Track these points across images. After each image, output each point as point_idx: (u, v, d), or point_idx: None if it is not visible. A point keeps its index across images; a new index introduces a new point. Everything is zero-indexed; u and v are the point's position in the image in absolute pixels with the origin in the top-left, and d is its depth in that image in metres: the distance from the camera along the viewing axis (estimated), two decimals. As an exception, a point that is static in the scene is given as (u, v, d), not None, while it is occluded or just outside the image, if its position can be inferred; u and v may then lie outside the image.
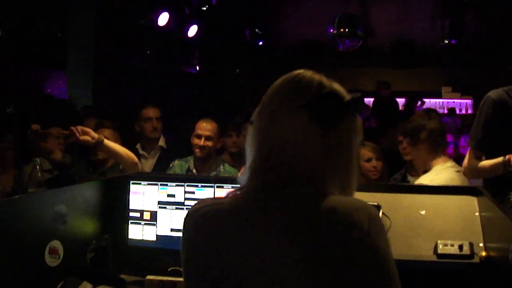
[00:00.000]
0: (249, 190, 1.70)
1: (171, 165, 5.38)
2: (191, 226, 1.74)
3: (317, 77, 1.73)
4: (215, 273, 1.64)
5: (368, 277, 1.51)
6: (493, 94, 3.97)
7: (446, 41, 13.84)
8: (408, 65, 15.82)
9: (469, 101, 16.07)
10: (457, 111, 15.50)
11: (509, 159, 3.58)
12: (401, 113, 13.44)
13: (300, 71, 1.77)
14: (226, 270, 1.63)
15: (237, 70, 16.75)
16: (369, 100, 15.31)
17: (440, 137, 4.40)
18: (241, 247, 1.62)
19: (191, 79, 15.19)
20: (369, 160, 5.10)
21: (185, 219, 1.77)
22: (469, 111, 15.59)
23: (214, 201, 1.78)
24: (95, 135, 4.35)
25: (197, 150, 5.18)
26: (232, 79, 17.04)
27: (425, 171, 4.43)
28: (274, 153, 1.64)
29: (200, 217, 1.71)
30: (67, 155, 5.18)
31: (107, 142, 4.44)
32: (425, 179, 4.25)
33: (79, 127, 4.32)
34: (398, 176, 5.23)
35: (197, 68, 14.99)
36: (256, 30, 13.89)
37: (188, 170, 5.27)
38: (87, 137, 4.30)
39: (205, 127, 5.20)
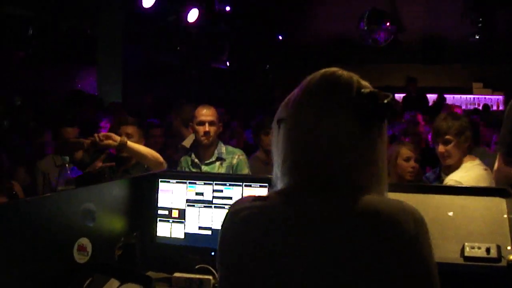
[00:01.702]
0: (288, 191, 1.67)
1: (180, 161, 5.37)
2: (230, 230, 1.70)
3: (354, 76, 1.73)
4: (257, 280, 1.60)
5: (414, 284, 1.51)
6: None
7: (477, 37, 13.69)
8: (438, 61, 15.71)
9: (500, 97, 15.92)
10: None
11: None
12: (430, 109, 13.33)
13: (335, 69, 1.76)
14: (269, 278, 1.58)
15: (267, 66, 16.74)
16: (399, 96, 15.24)
17: (467, 137, 4.39)
18: (283, 253, 1.58)
19: (222, 75, 15.22)
20: (408, 159, 5.06)
21: (224, 220, 1.73)
22: (501, 107, 15.41)
23: (253, 204, 1.70)
24: (118, 138, 4.39)
25: (203, 138, 5.10)
26: (262, 75, 17.05)
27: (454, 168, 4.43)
28: (318, 152, 1.63)
29: (240, 220, 1.67)
30: (85, 154, 5.23)
31: (130, 144, 4.47)
32: (455, 176, 4.25)
33: (101, 134, 4.38)
34: (431, 175, 5.15)
35: (227, 64, 15.01)
36: (280, 27, 13.84)
37: (192, 162, 5.22)
38: (109, 141, 4.34)
39: (206, 113, 5.14)
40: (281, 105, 1.79)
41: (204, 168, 5.15)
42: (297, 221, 1.59)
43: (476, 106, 15.87)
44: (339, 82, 1.69)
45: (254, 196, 1.76)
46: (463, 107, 15.57)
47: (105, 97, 10.80)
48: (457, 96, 16.14)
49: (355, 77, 1.72)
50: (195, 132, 5.16)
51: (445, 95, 15.21)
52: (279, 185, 1.71)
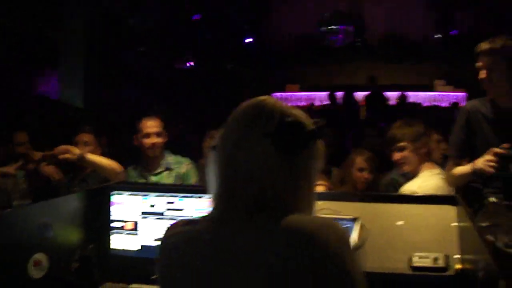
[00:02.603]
0: (215, 219, 1.73)
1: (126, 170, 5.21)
2: (164, 255, 1.77)
3: (279, 105, 1.77)
4: None
5: None
6: (467, 104, 4.09)
7: (439, 35, 13.86)
8: (401, 59, 15.86)
9: (462, 94, 16.08)
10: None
11: (480, 168, 3.61)
12: (393, 108, 13.50)
13: (264, 97, 1.81)
14: None
15: (230, 66, 16.76)
16: (362, 94, 15.38)
17: (423, 143, 4.33)
18: (210, 277, 1.65)
19: (186, 75, 15.22)
20: (361, 170, 5.09)
21: (159, 245, 1.80)
22: (463, 104, 15.55)
23: (184, 229, 1.78)
24: (77, 151, 4.38)
25: (150, 151, 5.06)
26: (226, 75, 17.08)
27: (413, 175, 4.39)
28: (240, 181, 1.68)
29: (171, 245, 1.75)
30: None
31: (89, 156, 4.47)
32: (413, 185, 4.21)
33: (61, 147, 4.35)
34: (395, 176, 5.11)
35: (192, 64, 15.01)
36: (246, 28, 13.87)
37: (140, 174, 5.17)
38: (67, 155, 4.33)
39: (151, 125, 5.08)
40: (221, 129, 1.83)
41: (152, 179, 5.12)
42: (222, 246, 1.66)
43: (439, 103, 16.07)
44: (262, 111, 1.74)
45: (187, 220, 1.83)
46: (426, 104, 15.77)
47: (67, 101, 10.76)
48: (420, 93, 16.29)
49: (282, 106, 1.77)
50: (142, 144, 5.09)
51: (408, 93, 15.37)
52: (212, 208, 1.78)
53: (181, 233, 1.76)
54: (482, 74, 3.65)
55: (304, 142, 1.72)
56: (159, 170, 5.13)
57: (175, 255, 1.73)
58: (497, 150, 3.27)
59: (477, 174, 3.65)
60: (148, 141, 5.03)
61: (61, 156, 4.30)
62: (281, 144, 1.68)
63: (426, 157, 4.35)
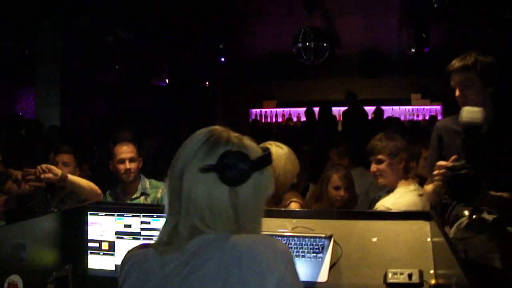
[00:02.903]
0: (162, 243, 1.81)
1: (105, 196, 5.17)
2: (122, 275, 1.84)
3: (225, 134, 1.85)
4: None
5: None
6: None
7: (413, 50, 13.95)
8: (377, 73, 15.95)
9: (438, 107, 16.20)
10: (428, 118, 15.61)
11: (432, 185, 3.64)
12: (370, 122, 13.55)
13: (212, 127, 1.89)
14: None
15: (207, 83, 16.78)
16: (338, 110, 15.44)
17: (400, 159, 4.29)
18: None
19: (161, 92, 15.21)
20: (337, 188, 5.06)
21: (120, 267, 1.88)
22: (439, 118, 15.68)
23: (139, 252, 1.86)
24: (58, 171, 4.34)
25: (124, 176, 5.03)
26: (202, 92, 17.10)
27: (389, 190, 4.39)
28: (184, 208, 1.77)
29: (129, 267, 1.83)
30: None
31: (71, 177, 4.43)
32: (387, 203, 4.18)
33: (44, 165, 4.31)
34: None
35: (167, 81, 15.01)
36: (221, 45, 13.89)
37: (117, 199, 5.12)
38: (49, 175, 4.28)
39: (125, 150, 5.05)
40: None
41: None
42: (168, 270, 1.74)
43: (415, 117, 16.18)
44: (208, 142, 1.82)
45: (143, 244, 1.93)
46: (402, 118, 15.87)
47: (43, 119, 10.71)
48: (396, 108, 16.40)
49: (228, 136, 1.85)
50: (116, 170, 5.07)
51: (385, 107, 15.46)
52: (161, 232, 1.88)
53: (135, 256, 1.84)
54: (457, 92, 3.67)
55: (246, 173, 1.79)
56: (135, 195, 5.10)
57: (129, 279, 1.81)
58: (442, 163, 3.28)
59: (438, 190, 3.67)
60: (122, 167, 5.01)
61: (43, 176, 4.26)
62: (223, 176, 1.76)
63: (403, 173, 4.31)
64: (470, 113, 3.22)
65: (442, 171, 3.23)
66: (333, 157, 6.45)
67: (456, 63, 3.64)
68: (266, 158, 1.86)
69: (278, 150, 3.95)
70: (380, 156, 4.29)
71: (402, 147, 4.28)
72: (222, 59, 14.61)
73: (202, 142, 1.82)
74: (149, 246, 1.86)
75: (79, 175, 4.95)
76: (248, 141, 1.88)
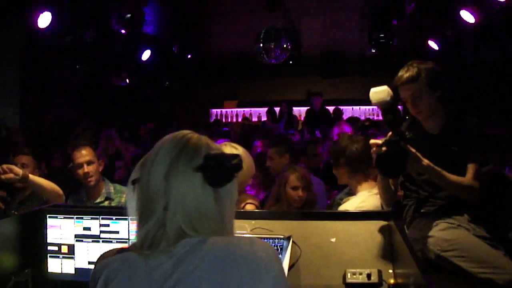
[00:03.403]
0: (146, 246, 1.76)
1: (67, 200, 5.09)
2: (100, 284, 1.75)
3: (204, 139, 1.89)
4: None
5: None
6: None
7: (373, 50, 14.07)
8: (338, 74, 16.04)
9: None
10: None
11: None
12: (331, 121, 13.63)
13: (186, 132, 1.90)
14: None
15: (167, 83, 16.70)
16: (299, 110, 15.52)
17: (358, 162, 4.18)
18: None
19: (122, 92, 15.13)
20: (295, 188, 4.99)
21: (94, 273, 1.79)
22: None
23: (114, 258, 1.79)
24: (19, 171, 4.28)
25: (86, 180, 4.98)
26: (162, 92, 17.03)
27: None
28: (170, 211, 1.75)
29: (107, 274, 1.74)
30: None
31: (32, 177, 4.38)
32: (350, 205, 4.13)
33: (4, 165, 4.25)
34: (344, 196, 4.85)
35: (127, 81, 14.92)
36: (183, 44, 13.86)
37: (81, 202, 5.05)
38: (10, 175, 4.23)
39: (82, 154, 4.99)
40: (137, 164, 1.89)
41: None
42: (155, 272, 1.70)
43: (376, 117, 16.30)
44: (187, 145, 1.83)
45: (117, 249, 1.88)
46: (362, 117, 15.99)
47: (2, 121, 10.59)
48: (356, 108, 16.51)
49: (206, 140, 1.89)
50: (77, 175, 5.00)
51: (345, 107, 15.59)
52: (136, 238, 1.82)
53: (112, 263, 1.77)
54: (408, 104, 3.72)
55: (230, 174, 1.83)
56: (99, 200, 5.05)
57: (109, 284, 1.73)
58: (373, 141, 3.31)
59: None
60: (81, 171, 4.96)
61: (4, 176, 4.20)
62: (209, 177, 1.78)
63: (364, 176, 4.24)
64: (376, 94, 3.28)
65: (374, 149, 3.27)
66: (274, 155, 6.44)
67: (402, 77, 3.66)
68: (241, 161, 1.86)
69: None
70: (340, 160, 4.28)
71: (343, 149, 4.26)
72: (189, 56, 14.59)
73: (183, 145, 1.83)
74: (126, 250, 1.81)
75: (39, 175, 4.90)
76: (219, 147, 1.93)
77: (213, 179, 1.79)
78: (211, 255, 1.69)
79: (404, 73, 3.65)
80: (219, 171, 1.80)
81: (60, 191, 4.57)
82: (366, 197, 4.12)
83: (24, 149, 5.25)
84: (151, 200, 1.78)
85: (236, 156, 1.85)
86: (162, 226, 1.75)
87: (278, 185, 5.09)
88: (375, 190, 4.06)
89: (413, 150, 3.25)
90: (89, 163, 4.97)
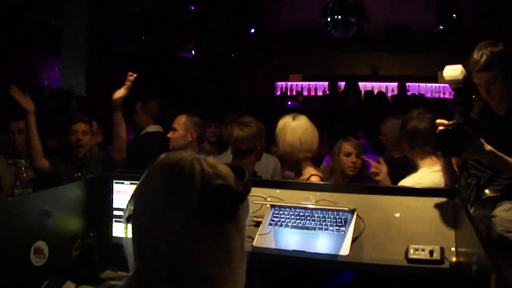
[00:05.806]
0: (136, 281, 1.49)
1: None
2: None
3: (197, 164, 1.51)
4: None
5: None
6: None
7: (441, 27, 13.81)
8: (403, 50, 15.80)
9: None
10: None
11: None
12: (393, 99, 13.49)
13: (181, 155, 1.55)
14: None
15: (232, 55, 16.71)
16: (364, 85, 15.37)
17: (416, 138, 4.15)
18: None
19: (187, 64, 15.20)
20: (348, 154, 5.04)
21: None
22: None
23: None
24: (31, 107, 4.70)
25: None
26: (228, 64, 17.04)
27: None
28: (160, 254, 1.45)
29: None
30: (46, 160, 5.04)
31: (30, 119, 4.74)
32: (409, 181, 4.12)
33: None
34: None
35: (193, 52, 14.98)
36: (249, 17, 13.84)
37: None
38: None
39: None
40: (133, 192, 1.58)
41: None
42: None
43: (442, 95, 16.02)
44: (180, 175, 1.49)
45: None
46: (428, 95, 15.75)
47: (69, 89, 10.77)
48: (422, 85, 16.24)
49: (200, 165, 1.51)
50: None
51: (410, 84, 15.39)
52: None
53: None
54: (482, 90, 3.63)
55: (232, 208, 1.51)
56: None
57: None
58: (439, 121, 3.24)
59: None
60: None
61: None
62: (205, 214, 1.45)
63: (423, 152, 4.19)
64: (450, 71, 3.21)
65: (439, 128, 3.21)
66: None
67: (476, 64, 3.55)
68: (249, 184, 1.58)
69: (294, 122, 4.17)
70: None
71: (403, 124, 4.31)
72: (252, 30, 14.55)
73: (175, 175, 1.49)
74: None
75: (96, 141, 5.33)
76: (223, 168, 1.56)
77: (211, 216, 1.46)
78: None
79: (479, 59, 3.55)
80: (218, 205, 1.47)
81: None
82: (425, 174, 4.11)
83: (82, 116, 5.43)
84: (140, 241, 1.51)
85: (243, 178, 1.56)
86: (149, 274, 1.48)
87: (333, 156, 5.12)
88: (437, 167, 4.02)
89: (477, 137, 3.17)
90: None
